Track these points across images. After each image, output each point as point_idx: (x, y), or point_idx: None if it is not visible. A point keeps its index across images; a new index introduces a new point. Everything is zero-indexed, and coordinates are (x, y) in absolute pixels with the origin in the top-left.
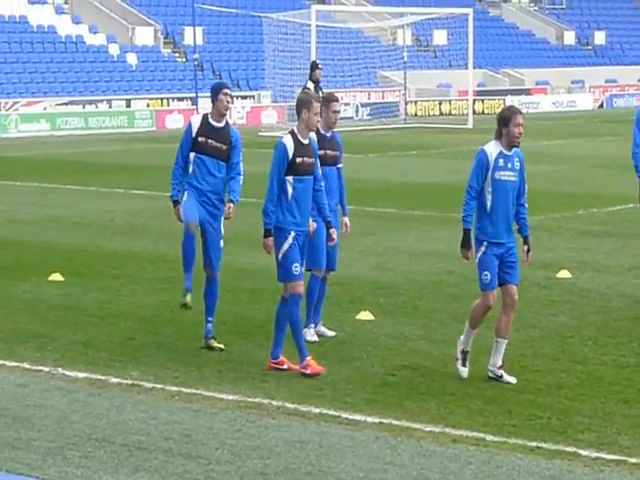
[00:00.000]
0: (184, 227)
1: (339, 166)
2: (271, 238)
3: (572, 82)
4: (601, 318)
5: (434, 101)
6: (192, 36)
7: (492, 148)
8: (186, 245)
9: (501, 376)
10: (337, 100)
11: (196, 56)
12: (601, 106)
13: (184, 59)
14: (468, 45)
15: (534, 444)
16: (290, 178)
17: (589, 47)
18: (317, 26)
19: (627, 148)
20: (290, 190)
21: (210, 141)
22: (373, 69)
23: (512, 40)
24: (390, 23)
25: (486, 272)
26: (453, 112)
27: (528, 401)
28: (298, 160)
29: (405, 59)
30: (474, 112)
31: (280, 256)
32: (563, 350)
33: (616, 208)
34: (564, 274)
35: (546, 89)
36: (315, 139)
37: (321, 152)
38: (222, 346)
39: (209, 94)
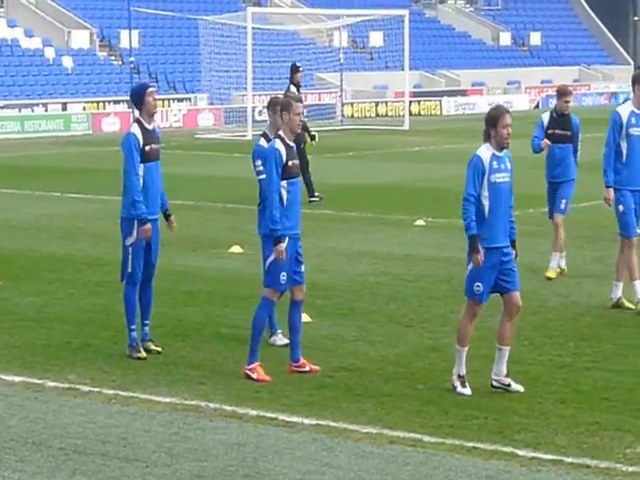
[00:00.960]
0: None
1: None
2: (283, 244)
3: (508, 83)
4: (537, 318)
5: (370, 103)
6: (128, 39)
7: (485, 152)
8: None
9: (509, 385)
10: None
11: (132, 59)
12: (537, 106)
13: (120, 62)
14: (404, 46)
15: (471, 444)
16: (284, 183)
17: (525, 48)
18: (253, 28)
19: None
20: (285, 195)
21: (153, 146)
22: (309, 71)
23: (448, 41)
24: (326, 25)
25: (478, 283)
26: (389, 113)
27: (465, 402)
28: (290, 163)
29: (341, 61)
30: (410, 113)
31: (268, 262)
32: None
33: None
34: None
35: (482, 90)
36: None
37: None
38: (159, 349)
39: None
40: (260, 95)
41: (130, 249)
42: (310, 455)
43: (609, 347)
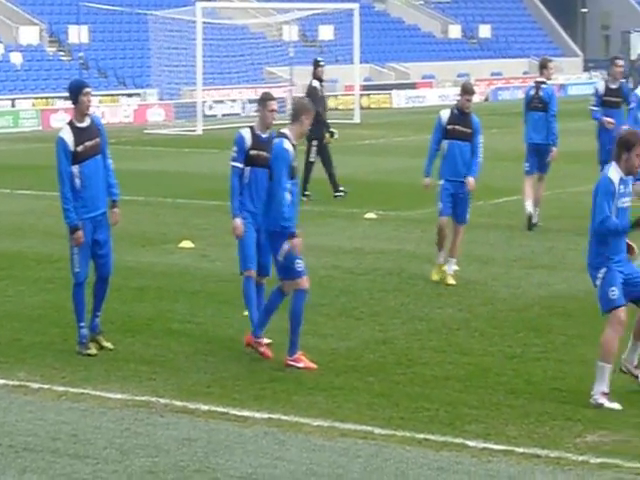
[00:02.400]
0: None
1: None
2: (298, 239)
3: (458, 75)
4: (488, 310)
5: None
6: (77, 35)
7: (614, 174)
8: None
9: (637, 376)
10: (274, 99)
11: (81, 55)
12: (486, 99)
13: (69, 58)
14: (354, 40)
15: (422, 436)
16: (288, 185)
17: (474, 41)
18: (203, 23)
19: (513, 140)
20: (289, 195)
21: (87, 144)
22: (259, 65)
23: (398, 34)
24: (276, 19)
25: (613, 288)
26: (340, 107)
27: (415, 394)
28: (294, 164)
29: (291, 55)
30: (361, 107)
31: (282, 257)
32: (450, 342)
33: (501, 200)
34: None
35: (432, 83)
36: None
37: (253, 152)
38: (111, 346)
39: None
40: (210, 90)
41: (75, 249)
42: (261, 449)
43: (559, 337)
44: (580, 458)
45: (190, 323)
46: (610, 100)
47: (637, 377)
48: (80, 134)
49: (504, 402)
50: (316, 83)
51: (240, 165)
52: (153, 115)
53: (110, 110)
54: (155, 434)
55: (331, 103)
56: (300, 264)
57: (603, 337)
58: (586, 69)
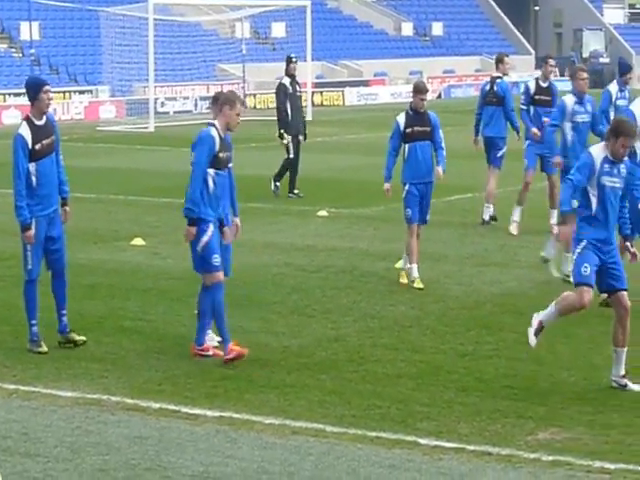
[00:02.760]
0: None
1: (230, 166)
2: (193, 228)
3: (410, 73)
4: (439, 307)
5: (273, 94)
6: (28, 31)
7: (597, 151)
8: None
9: (625, 385)
10: (241, 102)
11: (32, 51)
12: (439, 97)
13: (20, 54)
14: (306, 37)
15: (374, 434)
16: (212, 171)
17: (427, 38)
18: (155, 19)
19: (466, 138)
20: (211, 183)
21: (44, 142)
22: (212, 62)
23: (350, 32)
24: (228, 16)
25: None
26: None
27: (367, 391)
28: (221, 155)
29: (244, 52)
30: (313, 104)
31: (200, 248)
32: (402, 340)
33: (453, 198)
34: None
35: (384, 80)
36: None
37: (222, 155)
38: (83, 337)
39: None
40: (162, 87)
41: (28, 246)
42: (213, 447)
43: (510, 335)
44: (532, 456)
45: (142, 321)
46: (541, 99)
47: (626, 386)
48: (38, 132)
49: (456, 400)
50: (286, 80)
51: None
52: (105, 112)
53: (62, 107)
54: (106, 432)
55: None
56: (217, 259)
57: (567, 297)
58: (538, 67)
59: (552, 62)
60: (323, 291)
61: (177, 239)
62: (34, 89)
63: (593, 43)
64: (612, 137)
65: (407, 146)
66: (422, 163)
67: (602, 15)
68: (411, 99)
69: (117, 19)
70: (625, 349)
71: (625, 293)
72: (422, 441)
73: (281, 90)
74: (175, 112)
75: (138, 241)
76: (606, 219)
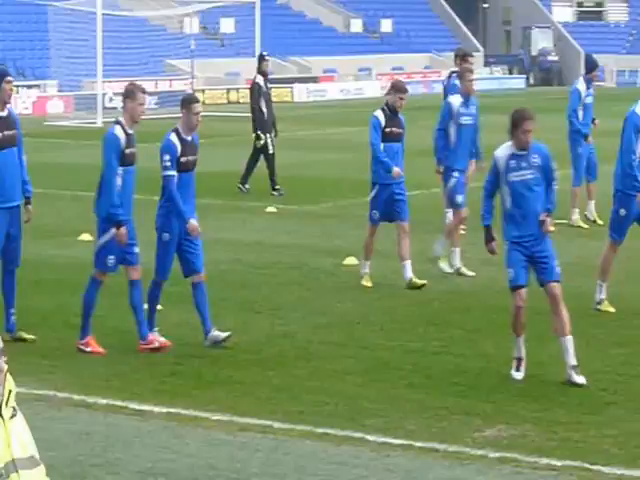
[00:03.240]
0: None
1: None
2: (124, 228)
3: (359, 70)
4: (388, 304)
5: (222, 90)
6: None
7: (503, 150)
8: None
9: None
10: (198, 101)
11: None
12: (388, 93)
13: None
14: (255, 33)
15: (322, 430)
16: (120, 169)
17: (376, 35)
18: (103, 14)
19: (416, 135)
20: (119, 181)
21: (6, 133)
22: (160, 58)
23: (300, 28)
24: (177, 11)
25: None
26: (241, 100)
27: (315, 388)
28: (127, 151)
29: (192, 47)
30: None
31: (99, 245)
32: (350, 336)
33: None
34: (351, 261)
35: (333, 77)
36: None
37: (183, 159)
38: (33, 336)
39: None
40: (111, 82)
41: None
42: (160, 443)
43: (458, 332)
44: (479, 452)
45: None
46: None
47: (569, 378)
48: (2, 123)
49: (403, 396)
50: (259, 78)
51: (175, 173)
52: (53, 107)
53: None
54: (53, 428)
55: (232, 97)
56: (112, 260)
57: (511, 310)
58: (487, 64)
59: (471, 59)
60: (271, 287)
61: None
62: None
63: (542, 41)
64: (513, 129)
65: (383, 146)
66: (396, 163)
67: (551, 13)
68: (387, 97)
69: (66, 14)
70: (568, 337)
71: (555, 284)
72: (370, 438)
73: (255, 89)
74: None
75: (85, 237)
76: (524, 214)
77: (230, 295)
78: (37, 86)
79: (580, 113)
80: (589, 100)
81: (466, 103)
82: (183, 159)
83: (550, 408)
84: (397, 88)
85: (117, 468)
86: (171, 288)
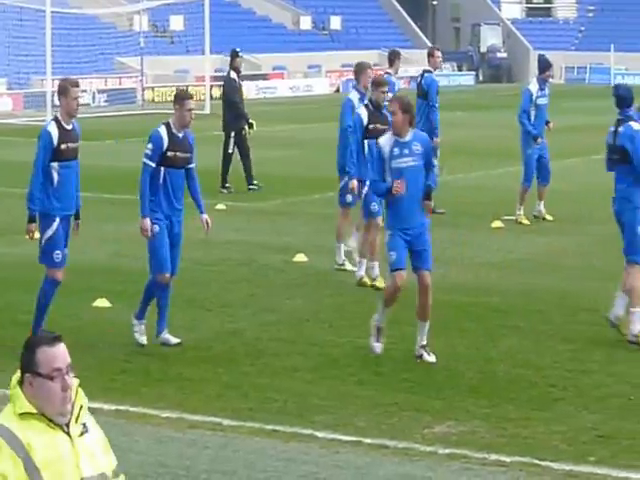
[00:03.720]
0: None
1: (192, 166)
2: (35, 224)
3: (309, 67)
4: (337, 301)
5: (171, 87)
6: None
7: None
8: None
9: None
10: (191, 97)
11: None
12: (337, 90)
13: None
14: (205, 30)
15: (271, 427)
16: (55, 164)
17: (325, 32)
18: (52, 12)
19: None
20: (55, 176)
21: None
22: (110, 55)
23: (249, 25)
24: (126, 9)
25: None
26: None
27: (265, 385)
28: (62, 146)
29: (142, 45)
30: (211, 97)
31: (43, 242)
32: (300, 333)
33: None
34: (300, 257)
35: (283, 74)
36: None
37: (170, 154)
38: None
39: None
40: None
41: None
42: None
43: (408, 329)
44: (428, 449)
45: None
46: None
47: (421, 356)
48: None
49: (353, 393)
50: (234, 74)
51: (153, 164)
52: (2, 105)
53: None
54: None
55: None
56: (58, 254)
57: (386, 288)
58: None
59: (438, 53)
60: (220, 284)
61: (81, 232)
62: None
63: (490, 38)
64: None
65: (366, 142)
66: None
67: (500, 10)
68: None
69: (14, 11)
70: (426, 323)
71: (427, 273)
72: (319, 434)
73: (231, 84)
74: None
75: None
76: (404, 202)
77: (178, 292)
78: None
79: (532, 114)
80: (542, 101)
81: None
82: (170, 153)
83: (499, 404)
84: (378, 82)
85: None
86: (119, 286)
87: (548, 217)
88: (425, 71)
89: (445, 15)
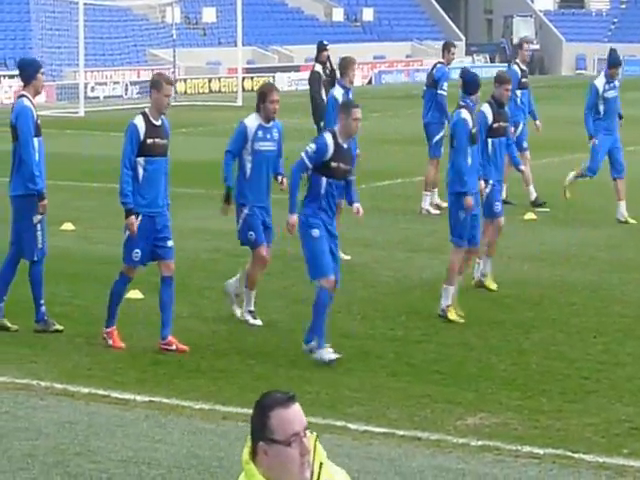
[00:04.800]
0: None
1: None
2: (134, 216)
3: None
4: (369, 293)
5: (204, 79)
6: None
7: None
8: None
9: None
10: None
11: None
12: (370, 82)
13: None
14: (237, 22)
15: None
16: (141, 159)
17: (357, 24)
18: (85, 4)
19: (396, 124)
20: (141, 171)
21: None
22: (142, 47)
23: (281, 17)
24: (159, 1)
25: (251, 232)
26: (223, 89)
27: (297, 376)
28: (149, 141)
29: (174, 37)
30: (244, 89)
31: (125, 239)
32: (332, 325)
33: (384, 183)
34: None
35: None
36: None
37: (150, 141)
38: (16, 327)
39: None
40: (92, 72)
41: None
42: (142, 432)
43: (440, 321)
44: (460, 441)
45: (71, 305)
46: (525, 82)
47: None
48: None
49: (385, 384)
50: (319, 67)
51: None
52: None
53: None
54: (35, 417)
55: (214, 86)
56: (137, 253)
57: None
58: (468, 53)
59: (526, 46)
60: None
61: (108, 224)
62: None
63: (523, 30)
64: (260, 102)
65: (489, 141)
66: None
67: (532, 2)
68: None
69: (47, 4)
70: (252, 292)
71: (264, 246)
72: (351, 426)
73: (316, 78)
74: (105, 97)
75: (68, 226)
76: (261, 183)
77: (212, 284)
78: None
79: (601, 108)
80: (611, 94)
81: (347, 92)
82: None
83: (532, 396)
84: (501, 80)
85: (99, 457)
86: (153, 278)
87: (631, 221)
88: (439, 62)
89: (477, 7)
